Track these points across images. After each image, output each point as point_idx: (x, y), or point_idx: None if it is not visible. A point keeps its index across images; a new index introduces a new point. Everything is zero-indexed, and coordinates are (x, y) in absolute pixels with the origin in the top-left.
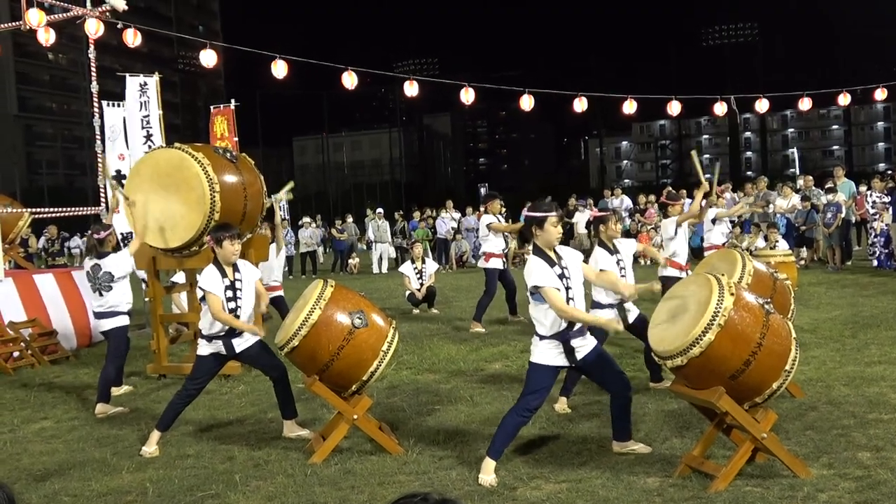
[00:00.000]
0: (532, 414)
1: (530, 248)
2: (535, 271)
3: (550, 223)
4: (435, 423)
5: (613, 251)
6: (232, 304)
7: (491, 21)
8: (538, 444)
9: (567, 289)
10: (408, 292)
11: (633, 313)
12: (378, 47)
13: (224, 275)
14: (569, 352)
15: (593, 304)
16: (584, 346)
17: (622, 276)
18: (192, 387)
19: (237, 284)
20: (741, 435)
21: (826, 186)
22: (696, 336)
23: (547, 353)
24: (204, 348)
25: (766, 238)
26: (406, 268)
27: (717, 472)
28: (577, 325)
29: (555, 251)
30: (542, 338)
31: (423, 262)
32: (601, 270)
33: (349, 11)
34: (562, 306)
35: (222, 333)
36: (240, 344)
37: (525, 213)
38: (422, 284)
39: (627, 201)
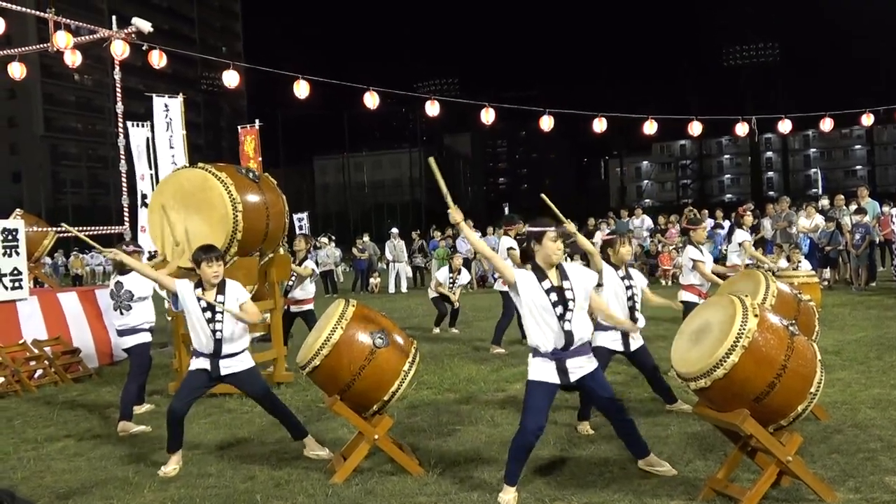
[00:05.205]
0: (535, 434)
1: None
2: (519, 281)
3: (549, 238)
4: (455, 444)
5: (625, 275)
6: (212, 326)
7: (511, 41)
8: (560, 465)
9: (559, 305)
10: (434, 295)
11: (636, 342)
12: (399, 67)
13: (203, 289)
14: (561, 371)
15: (596, 326)
16: (581, 367)
17: (632, 304)
18: (174, 403)
19: (217, 307)
20: (766, 458)
21: (853, 207)
22: (720, 358)
23: (538, 370)
24: (192, 362)
25: (788, 258)
26: (442, 273)
27: (741, 496)
28: (573, 346)
29: (560, 270)
30: (534, 354)
31: (459, 272)
32: (598, 286)
33: (370, 32)
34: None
35: (209, 352)
36: (227, 367)
37: (526, 228)
38: (451, 292)
39: (648, 221)
